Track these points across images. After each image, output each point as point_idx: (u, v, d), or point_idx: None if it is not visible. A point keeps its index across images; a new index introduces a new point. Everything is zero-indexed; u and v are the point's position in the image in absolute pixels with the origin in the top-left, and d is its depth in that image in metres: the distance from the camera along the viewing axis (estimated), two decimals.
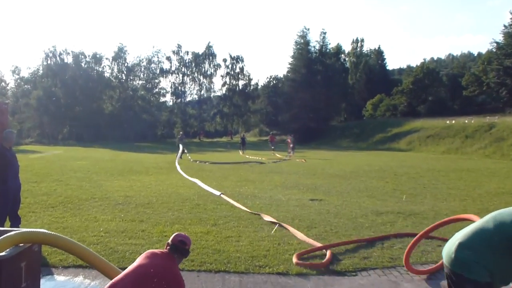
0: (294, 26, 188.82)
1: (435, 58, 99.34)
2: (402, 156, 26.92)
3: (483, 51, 70.25)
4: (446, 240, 5.89)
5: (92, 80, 58.90)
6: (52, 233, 3.57)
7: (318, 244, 5.40)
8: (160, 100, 64.87)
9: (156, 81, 64.14)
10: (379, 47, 70.29)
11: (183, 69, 65.03)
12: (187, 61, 64.86)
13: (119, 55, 61.14)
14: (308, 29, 68.85)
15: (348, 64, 68.25)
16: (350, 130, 52.01)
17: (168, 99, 66.36)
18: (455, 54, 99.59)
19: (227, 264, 4.73)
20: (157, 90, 64.34)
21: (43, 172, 13.80)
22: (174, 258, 2.93)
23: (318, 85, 56.40)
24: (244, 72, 65.21)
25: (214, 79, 70.57)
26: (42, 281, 3.89)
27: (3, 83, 63.31)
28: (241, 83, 65.75)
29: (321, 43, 60.57)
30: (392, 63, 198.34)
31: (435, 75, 54.37)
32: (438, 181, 13.00)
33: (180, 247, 2.95)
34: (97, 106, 58.71)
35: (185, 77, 65.51)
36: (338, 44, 67.35)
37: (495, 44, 44.33)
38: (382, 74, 65.65)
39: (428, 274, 4.54)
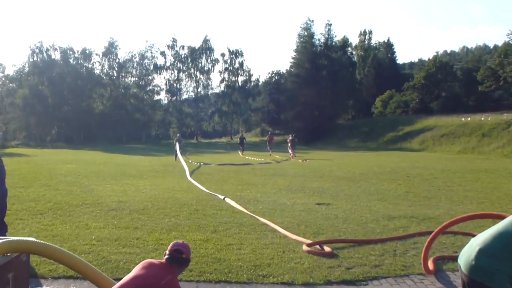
0: (298, 17, 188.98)
1: (448, 51, 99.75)
2: (415, 157, 26.92)
3: (499, 43, 70.43)
4: (467, 235, 5.96)
5: (81, 78, 59.09)
6: (41, 241, 3.57)
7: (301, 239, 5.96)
8: (154, 98, 64.97)
9: (150, 77, 64.30)
10: (388, 40, 70.65)
11: (178, 65, 65.12)
12: (182, 56, 64.91)
13: (110, 50, 61.31)
14: (312, 20, 69.29)
15: (355, 58, 68.39)
16: (358, 129, 52.02)
17: (163, 97, 66.53)
18: (469, 47, 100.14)
19: (228, 273, 4.72)
20: (150, 87, 64.45)
21: (31, 177, 13.83)
22: (173, 268, 2.93)
23: (324, 80, 56.46)
24: (244, 68, 65.40)
25: (211, 75, 70.78)
26: None
27: None
28: (240, 79, 65.90)
29: (326, 36, 60.68)
30: (403, 56, 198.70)
31: (448, 69, 54.33)
32: (453, 183, 13.00)
33: (176, 256, 2.94)
34: (87, 106, 58.88)
35: (181, 73, 65.60)
36: (344, 36, 67.77)
37: None
38: (392, 69, 65.65)
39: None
